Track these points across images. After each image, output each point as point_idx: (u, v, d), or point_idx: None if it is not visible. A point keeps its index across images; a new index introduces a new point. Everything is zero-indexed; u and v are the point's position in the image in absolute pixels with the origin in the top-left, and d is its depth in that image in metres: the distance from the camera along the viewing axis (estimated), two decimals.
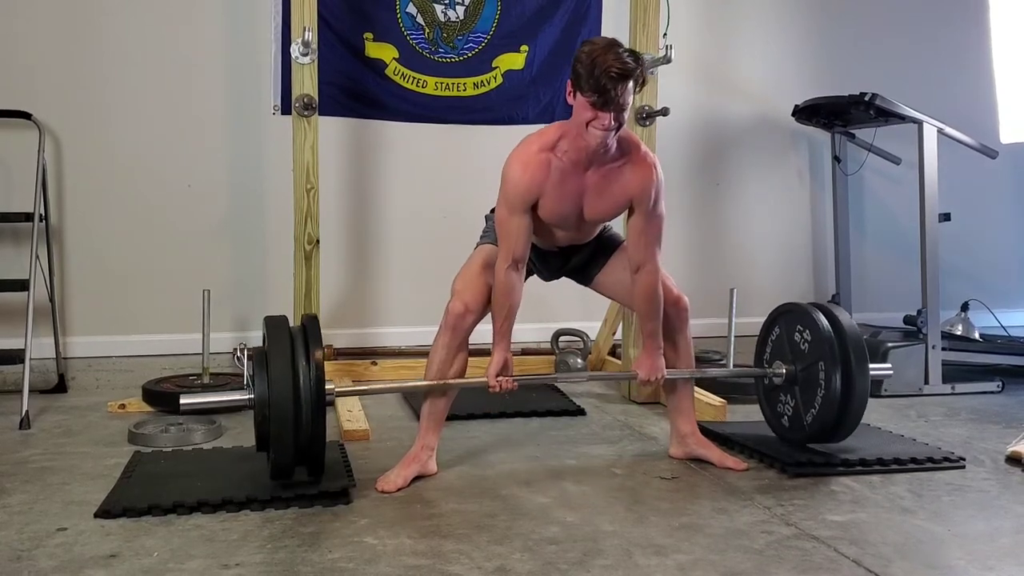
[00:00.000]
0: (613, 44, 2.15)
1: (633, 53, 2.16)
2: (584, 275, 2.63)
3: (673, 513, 2.19)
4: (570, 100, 2.21)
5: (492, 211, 2.52)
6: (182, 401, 2.24)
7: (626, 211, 2.41)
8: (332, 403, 2.22)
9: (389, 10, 3.88)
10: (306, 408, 2.13)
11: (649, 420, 3.14)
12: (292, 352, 2.16)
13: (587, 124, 2.17)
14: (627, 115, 2.21)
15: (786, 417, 2.63)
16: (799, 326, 2.61)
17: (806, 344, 2.57)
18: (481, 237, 2.58)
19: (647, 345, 2.52)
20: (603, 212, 2.39)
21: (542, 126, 4.04)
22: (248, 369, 2.26)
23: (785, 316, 2.69)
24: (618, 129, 2.20)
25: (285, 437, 2.12)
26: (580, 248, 2.56)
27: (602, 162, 2.30)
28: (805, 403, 2.55)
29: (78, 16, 3.57)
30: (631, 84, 2.13)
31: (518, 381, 2.44)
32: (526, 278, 2.51)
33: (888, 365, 2.80)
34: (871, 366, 2.51)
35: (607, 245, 2.59)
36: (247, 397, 2.20)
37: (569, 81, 2.19)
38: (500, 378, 2.40)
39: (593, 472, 2.54)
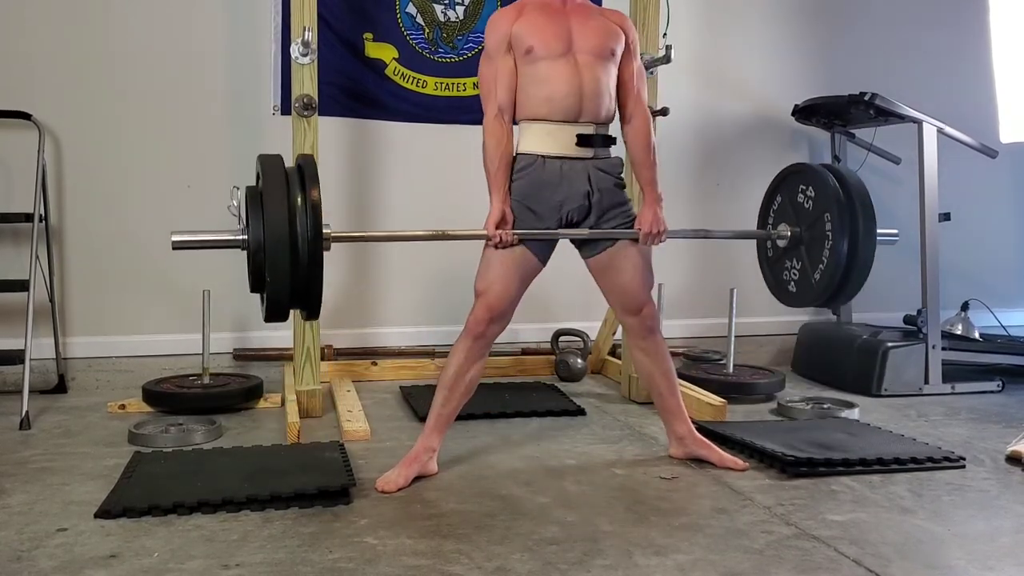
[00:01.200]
0: None
1: None
2: (594, 243, 2.50)
3: (673, 513, 2.19)
4: None
5: None
6: (173, 239, 2.17)
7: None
8: (328, 247, 2.18)
9: (389, 10, 3.87)
10: (303, 246, 2.06)
11: (649, 420, 3.14)
12: (288, 190, 2.09)
13: None
14: None
15: (793, 283, 2.56)
16: (801, 186, 2.56)
17: (810, 202, 2.52)
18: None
19: (647, 196, 2.50)
20: (593, 38, 2.41)
21: None
22: (242, 210, 2.16)
23: (787, 180, 2.64)
24: None
25: (281, 274, 2.05)
26: (599, 144, 2.45)
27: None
28: (812, 261, 2.49)
29: (78, 16, 3.57)
30: None
31: (519, 232, 2.41)
32: (545, 256, 2.47)
33: (895, 230, 2.69)
34: (878, 230, 2.48)
35: (626, 225, 2.49)
36: (241, 238, 2.14)
37: None
38: (499, 231, 2.37)
39: (593, 472, 2.54)
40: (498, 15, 2.46)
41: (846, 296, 2.51)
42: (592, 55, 2.40)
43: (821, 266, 2.45)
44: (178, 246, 2.18)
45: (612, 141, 2.50)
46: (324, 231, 2.14)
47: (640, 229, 2.47)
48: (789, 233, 2.58)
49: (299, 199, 2.08)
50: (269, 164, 2.15)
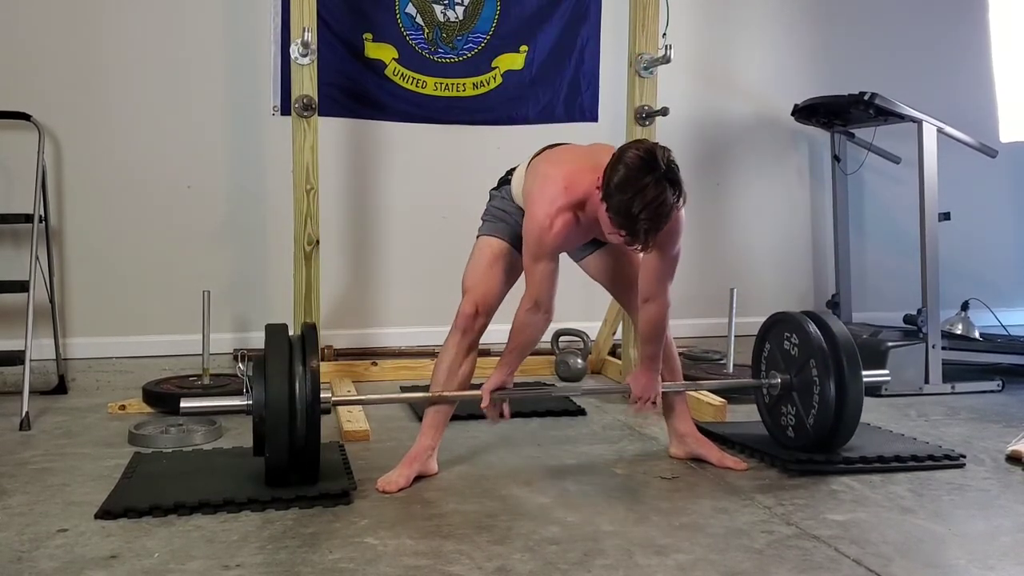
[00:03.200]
0: (660, 181, 2.02)
1: (676, 185, 2.05)
2: (581, 248, 2.55)
3: (673, 513, 2.19)
4: (597, 191, 2.10)
5: (495, 188, 2.54)
6: (182, 404, 2.27)
7: None
8: (329, 411, 2.25)
9: (388, 10, 3.88)
10: (301, 417, 2.16)
11: (649, 420, 3.13)
12: (290, 361, 2.20)
13: (609, 231, 2.12)
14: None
15: (790, 428, 2.62)
16: (786, 333, 2.62)
17: (795, 349, 2.57)
18: (483, 221, 2.53)
19: (644, 365, 2.50)
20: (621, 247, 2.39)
21: (541, 127, 4.07)
22: (247, 374, 2.30)
23: (774, 328, 2.71)
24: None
25: (280, 445, 2.16)
26: None
27: None
28: (805, 407, 2.54)
29: (78, 17, 3.57)
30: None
31: (514, 389, 2.44)
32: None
33: (886, 371, 2.82)
34: (866, 372, 2.51)
35: None
36: (246, 403, 2.24)
37: (600, 178, 2.08)
38: (495, 394, 2.38)
39: (593, 472, 2.54)
40: (552, 223, 2.20)
41: (843, 437, 2.56)
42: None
43: (813, 411, 2.49)
44: (186, 412, 2.30)
45: None
46: (325, 396, 2.25)
47: (630, 386, 2.51)
48: (779, 380, 2.62)
49: (300, 372, 2.20)
50: (273, 334, 2.27)
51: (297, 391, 2.17)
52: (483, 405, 2.39)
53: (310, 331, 2.31)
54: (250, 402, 2.22)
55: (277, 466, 2.20)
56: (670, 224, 2.18)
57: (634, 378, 2.53)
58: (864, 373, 2.51)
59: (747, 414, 3.22)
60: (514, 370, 2.42)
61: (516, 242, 2.42)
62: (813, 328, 2.53)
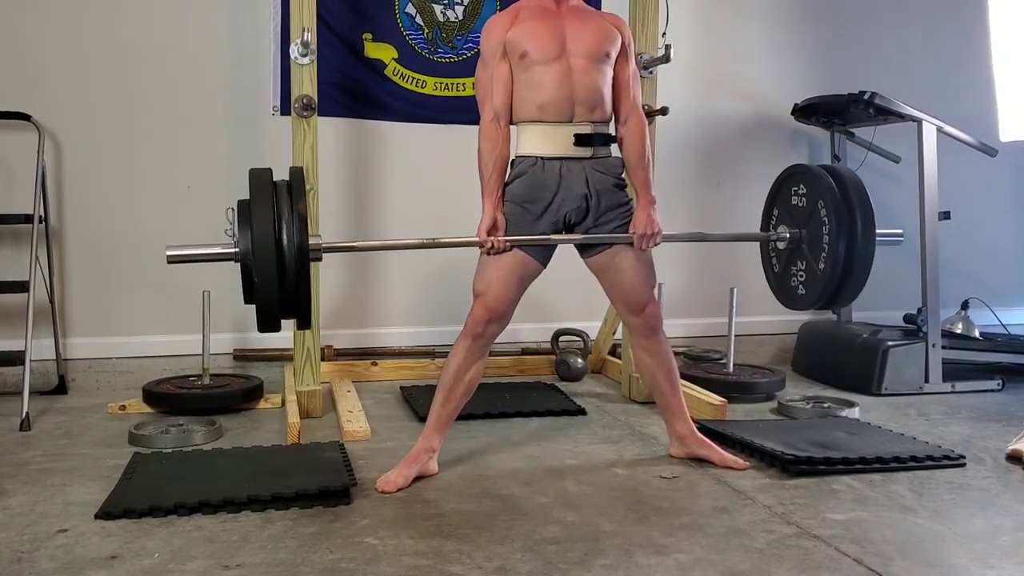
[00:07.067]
0: None
1: None
2: (592, 244, 2.51)
3: (673, 513, 2.19)
4: None
5: None
6: (167, 253, 2.25)
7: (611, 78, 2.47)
8: (319, 258, 2.24)
9: (388, 10, 3.87)
10: (290, 257, 2.12)
11: (649, 420, 3.14)
12: (275, 202, 2.15)
13: None
14: None
15: (801, 285, 2.57)
16: (793, 188, 2.61)
17: (803, 199, 2.56)
18: None
19: (641, 199, 2.49)
20: (588, 41, 2.42)
21: None
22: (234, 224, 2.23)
23: (780, 190, 2.69)
24: None
25: (270, 286, 2.12)
26: (598, 155, 2.46)
27: (569, 2, 2.46)
28: (815, 254, 2.50)
29: (78, 17, 3.56)
30: None
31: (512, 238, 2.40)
32: (545, 261, 2.48)
33: (899, 230, 2.73)
34: (881, 230, 2.52)
35: (625, 225, 2.49)
36: (232, 251, 2.20)
37: None
38: (491, 237, 2.38)
39: (593, 472, 2.54)
40: (494, 20, 2.46)
41: (854, 285, 2.49)
42: (586, 58, 2.41)
43: (824, 254, 2.46)
44: (172, 260, 2.27)
45: (612, 140, 2.51)
46: (313, 242, 2.19)
47: (634, 232, 2.46)
48: (788, 235, 2.59)
49: (286, 211, 2.14)
50: (257, 178, 2.21)
51: (285, 235, 2.12)
52: (483, 249, 2.39)
53: (296, 174, 2.24)
54: (236, 249, 2.17)
55: (268, 312, 2.15)
56: (622, 22, 2.54)
57: (635, 220, 2.47)
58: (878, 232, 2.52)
59: (747, 413, 3.23)
60: (498, 200, 2.41)
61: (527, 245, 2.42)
62: (819, 170, 2.52)
